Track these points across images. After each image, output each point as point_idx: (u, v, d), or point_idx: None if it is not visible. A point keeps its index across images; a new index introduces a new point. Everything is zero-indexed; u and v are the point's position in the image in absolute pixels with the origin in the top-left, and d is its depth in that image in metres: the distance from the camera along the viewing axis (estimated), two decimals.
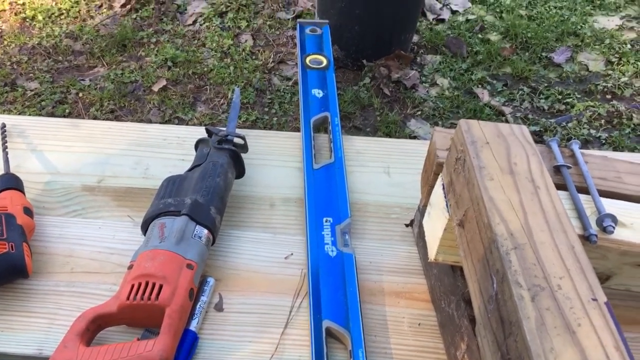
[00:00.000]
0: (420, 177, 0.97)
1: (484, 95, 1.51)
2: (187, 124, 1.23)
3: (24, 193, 1.01)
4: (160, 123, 1.22)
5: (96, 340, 0.86)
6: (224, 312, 0.92)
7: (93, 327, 0.84)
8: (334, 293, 0.92)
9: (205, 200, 0.97)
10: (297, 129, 1.37)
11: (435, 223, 0.84)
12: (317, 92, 1.27)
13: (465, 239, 0.73)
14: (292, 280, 0.97)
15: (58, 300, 0.92)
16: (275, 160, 1.18)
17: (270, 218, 1.08)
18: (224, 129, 1.12)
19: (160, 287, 0.84)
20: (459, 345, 0.81)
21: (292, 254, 1.01)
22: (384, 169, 1.17)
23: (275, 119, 1.40)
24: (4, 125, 1.16)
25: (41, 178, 1.10)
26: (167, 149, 1.19)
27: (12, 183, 1.01)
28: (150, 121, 1.35)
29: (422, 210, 0.98)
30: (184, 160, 1.16)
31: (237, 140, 1.10)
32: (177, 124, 1.21)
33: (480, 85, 1.54)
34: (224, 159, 1.05)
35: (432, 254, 0.85)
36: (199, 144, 1.09)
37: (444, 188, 0.83)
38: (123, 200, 1.09)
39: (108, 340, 0.87)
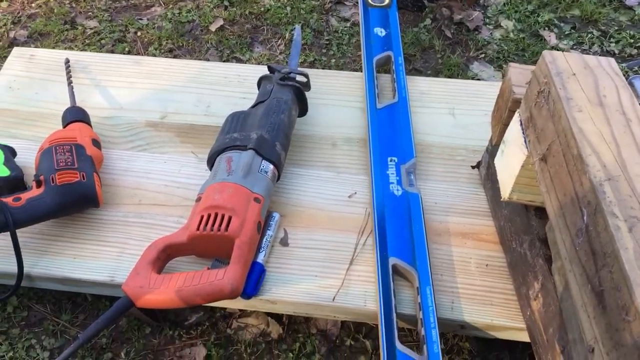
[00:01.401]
0: (491, 116, 0.94)
1: (551, 38, 1.44)
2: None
3: (91, 126, 1.02)
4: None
5: (165, 270, 0.87)
6: (289, 246, 0.92)
7: (163, 256, 0.86)
8: (399, 231, 0.91)
9: (270, 136, 0.96)
10: (356, 71, 1.34)
11: (511, 161, 0.82)
12: (380, 31, 1.23)
13: (548, 173, 0.70)
14: (356, 219, 0.96)
15: (128, 230, 0.93)
16: (336, 100, 1.16)
17: (333, 157, 1.06)
18: (286, 66, 1.10)
19: (230, 218, 0.84)
20: (532, 284, 0.79)
21: (355, 192, 1.00)
22: (448, 110, 1.14)
23: (333, 60, 1.37)
24: (67, 61, 1.17)
25: (105, 113, 1.11)
26: (227, 86, 1.18)
27: (80, 115, 1.02)
28: (208, 60, 1.33)
29: (492, 151, 0.95)
30: (245, 98, 1.15)
31: (299, 77, 1.08)
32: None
33: (547, 28, 1.47)
34: (288, 96, 1.03)
35: (505, 193, 0.82)
36: (261, 81, 1.08)
37: (521, 124, 0.80)
38: (186, 137, 1.09)
39: (177, 270, 0.88)
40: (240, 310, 0.96)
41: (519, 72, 0.86)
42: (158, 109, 1.13)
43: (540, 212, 0.82)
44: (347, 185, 1.01)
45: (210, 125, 1.10)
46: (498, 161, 0.87)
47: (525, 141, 0.78)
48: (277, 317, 0.96)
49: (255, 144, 0.93)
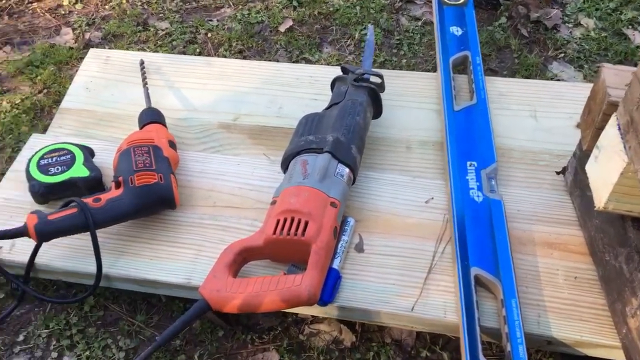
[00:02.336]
0: (580, 120, 0.88)
1: (636, 36, 1.37)
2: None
3: (166, 127, 1.03)
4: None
5: (240, 274, 0.86)
6: (364, 252, 0.90)
7: (239, 260, 0.85)
8: (481, 240, 0.87)
9: (346, 138, 0.93)
10: (428, 71, 1.30)
11: (607, 168, 0.76)
12: (456, 30, 1.19)
13: None
14: (434, 225, 0.93)
15: (203, 233, 0.93)
16: (410, 102, 1.12)
17: (408, 161, 1.03)
18: (360, 67, 1.08)
19: (306, 223, 0.83)
20: (629, 300, 0.74)
21: (432, 198, 0.96)
22: (529, 113, 1.08)
23: (404, 60, 1.34)
24: (142, 62, 1.18)
25: (179, 114, 1.12)
26: (299, 88, 1.16)
27: (156, 117, 1.02)
28: (278, 62, 1.32)
29: (580, 156, 0.89)
30: (316, 99, 1.14)
31: (374, 78, 1.05)
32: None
33: (630, 26, 1.39)
34: (363, 98, 1.00)
35: (600, 202, 0.77)
36: (335, 82, 1.06)
37: (619, 129, 0.75)
38: (258, 138, 1.08)
39: (251, 273, 0.87)
40: (312, 316, 0.94)
41: (613, 74, 0.81)
42: (231, 110, 1.13)
43: (639, 222, 0.77)
44: (424, 190, 0.98)
45: (283, 127, 1.09)
46: (591, 168, 0.82)
47: (624, 147, 0.73)
48: (350, 325, 0.93)
49: (331, 146, 0.91)
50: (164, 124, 1.03)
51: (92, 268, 0.88)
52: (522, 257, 0.87)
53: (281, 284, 0.79)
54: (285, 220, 0.83)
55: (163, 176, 0.90)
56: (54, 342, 0.92)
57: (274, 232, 0.83)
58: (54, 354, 0.91)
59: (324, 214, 0.84)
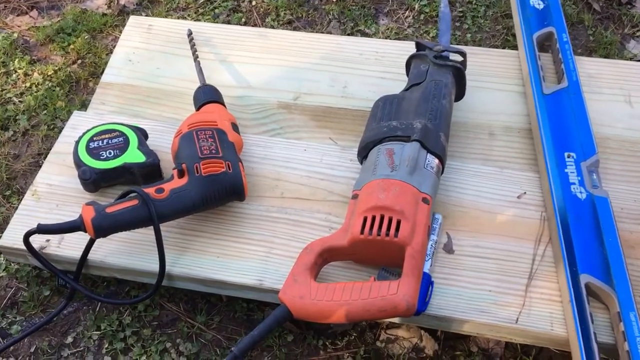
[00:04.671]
0: None
1: None
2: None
3: (225, 107, 0.92)
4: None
5: (320, 277, 0.77)
6: (454, 254, 0.81)
7: (320, 261, 0.76)
8: (588, 243, 0.78)
9: (433, 125, 0.83)
10: (496, 47, 1.20)
11: None
12: (537, 3, 1.08)
13: None
14: (530, 224, 0.83)
15: (273, 228, 0.83)
16: (490, 82, 1.02)
17: (491, 149, 0.93)
18: (436, 43, 0.97)
19: (398, 222, 0.73)
20: None
21: (525, 192, 0.87)
22: (623, 98, 0.98)
23: (468, 35, 1.23)
24: (190, 33, 1.07)
25: (234, 92, 1.01)
26: (364, 64, 1.05)
27: (215, 96, 0.92)
28: (331, 34, 1.21)
29: None
30: (384, 78, 1.03)
31: (453, 56, 0.95)
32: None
33: None
34: (448, 78, 0.90)
35: None
36: (412, 60, 0.95)
37: None
38: (323, 121, 0.98)
39: (330, 275, 0.78)
40: (389, 321, 0.86)
41: None
42: (290, 88, 1.02)
43: None
44: (513, 183, 0.88)
45: (349, 108, 0.99)
46: None
47: None
48: (431, 331, 0.85)
49: (420, 134, 0.81)
50: (224, 104, 0.92)
51: (152, 266, 0.79)
52: (632, 262, 0.78)
53: (374, 292, 0.69)
54: (374, 218, 0.74)
55: (231, 164, 0.80)
56: (106, 345, 0.83)
57: (362, 232, 0.73)
58: (107, 359, 0.82)
59: (416, 212, 0.75)
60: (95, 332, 0.84)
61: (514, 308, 0.75)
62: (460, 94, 0.94)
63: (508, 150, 0.93)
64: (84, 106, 1.10)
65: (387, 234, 0.72)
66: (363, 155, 0.84)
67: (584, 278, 0.74)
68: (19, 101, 1.13)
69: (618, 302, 0.72)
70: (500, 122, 0.96)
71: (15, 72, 1.18)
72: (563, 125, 0.90)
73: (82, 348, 0.83)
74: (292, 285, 0.72)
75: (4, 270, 0.90)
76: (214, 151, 0.80)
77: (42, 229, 0.75)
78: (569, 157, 0.86)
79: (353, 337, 0.85)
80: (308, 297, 0.71)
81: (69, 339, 0.84)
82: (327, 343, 0.84)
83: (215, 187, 0.78)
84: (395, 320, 0.79)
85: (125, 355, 0.83)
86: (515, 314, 0.74)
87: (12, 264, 0.90)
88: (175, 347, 0.83)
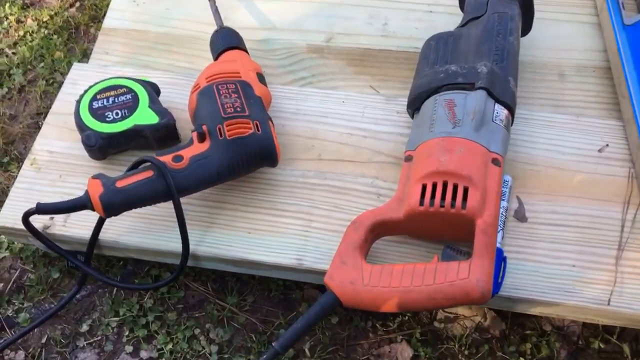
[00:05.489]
0: None
1: None
2: None
3: (248, 53, 0.79)
4: None
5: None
6: (528, 222, 0.68)
7: (371, 237, 0.64)
8: None
9: (501, 68, 0.69)
10: None
11: None
12: None
13: None
14: (616, 183, 0.70)
15: (311, 196, 0.71)
16: (556, 13, 0.86)
17: (562, 93, 0.80)
18: None
19: (466, 190, 0.61)
20: None
21: (607, 145, 0.73)
22: None
23: None
24: None
25: (256, 35, 0.87)
26: None
27: (236, 40, 0.78)
28: None
29: None
30: (432, 12, 0.88)
31: None
32: None
33: None
34: (514, 9, 0.75)
35: None
36: None
37: None
38: (361, 66, 0.84)
39: (380, 252, 0.67)
40: None
41: None
42: (321, 28, 0.88)
43: None
44: (592, 134, 0.75)
45: (391, 49, 0.85)
46: None
47: None
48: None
49: (486, 80, 0.67)
50: (247, 50, 0.78)
51: (174, 245, 0.68)
52: None
53: (440, 277, 0.58)
54: (434, 185, 0.61)
55: (260, 124, 0.67)
56: (127, 333, 0.74)
57: (421, 203, 0.61)
58: (129, 348, 0.73)
59: (486, 176, 0.62)
60: (113, 319, 0.74)
61: (604, 286, 0.63)
62: (526, 27, 0.79)
63: (583, 94, 0.79)
64: (85, 56, 0.97)
65: (453, 205, 0.60)
66: (415, 107, 0.71)
67: None
68: (12, 53, 1.00)
69: None
70: (573, 60, 0.82)
71: (7, 19, 1.04)
72: None
73: (99, 337, 0.74)
74: (339, 268, 0.61)
75: (6, 249, 0.80)
76: (239, 109, 0.67)
77: (43, 209, 0.63)
78: None
79: (407, 317, 0.74)
80: (360, 283, 0.59)
81: (85, 327, 0.74)
82: (377, 325, 0.74)
83: (243, 152, 0.65)
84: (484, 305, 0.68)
85: (148, 343, 0.73)
86: (606, 293, 0.62)
87: (16, 243, 0.80)
88: (204, 333, 0.73)
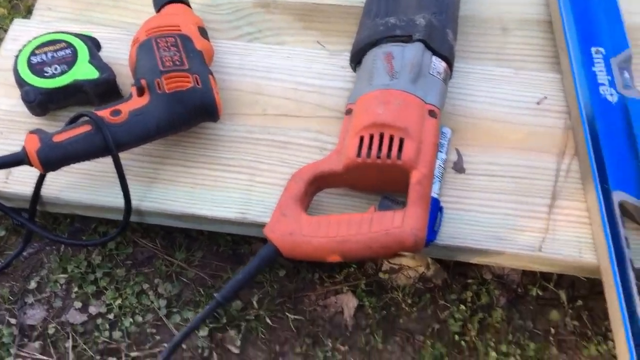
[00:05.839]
0: None
1: None
2: None
3: (191, 7, 0.78)
4: None
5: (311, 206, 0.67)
6: (465, 173, 0.70)
7: (312, 190, 0.65)
8: (621, 154, 0.67)
9: (438, 20, 0.70)
10: None
11: None
12: None
13: None
14: (552, 134, 0.72)
15: (255, 151, 0.72)
16: None
17: (504, 47, 0.81)
18: None
19: (401, 141, 0.62)
20: None
21: (545, 97, 0.75)
22: None
23: None
24: None
25: None
26: None
27: None
28: None
29: None
30: None
31: None
32: None
33: None
34: None
35: None
36: None
37: None
38: (309, 20, 0.84)
39: (322, 204, 0.68)
40: None
41: None
42: None
43: None
44: (531, 86, 0.76)
45: (340, 3, 0.84)
46: None
47: None
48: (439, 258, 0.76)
49: (424, 33, 0.68)
50: (189, 4, 0.78)
51: (118, 201, 0.68)
52: None
53: (376, 226, 0.59)
54: (372, 137, 0.62)
55: (199, 78, 0.67)
56: (75, 289, 0.74)
57: (359, 154, 0.62)
58: (77, 304, 0.73)
59: (422, 128, 0.63)
60: (61, 276, 0.75)
61: (536, 234, 0.65)
62: None
63: (525, 48, 0.80)
64: (30, 13, 0.94)
65: (389, 156, 0.61)
66: (357, 60, 0.72)
67: (617, 196, 0.64)
68: None
69: None
70: (515, 13, 0.83)
71: None
72: (589, 15, 0.77)
73: (48, 294, 0.74)
74: (279, 220, 0.62)
75: None
76: (177, 62, 0.66)
77: None
78: (596, 52, 0.74)
79: (353, 269, 0.76)
80: (299, 234, 0.61)
81: (33, 284, 0.74)
82: (323, 277, 0.75)
83: (182, 106, 0.65)
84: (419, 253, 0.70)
85: (97, 299, 0.74)
86: (538, 240, 0.65)
87: None
88: (153, 289, 0.74)
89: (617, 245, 0.61)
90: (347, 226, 0.60)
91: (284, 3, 0.85)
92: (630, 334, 0.57)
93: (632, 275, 0.60)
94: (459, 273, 0.75)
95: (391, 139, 0.62)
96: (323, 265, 0.76)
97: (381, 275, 0.76)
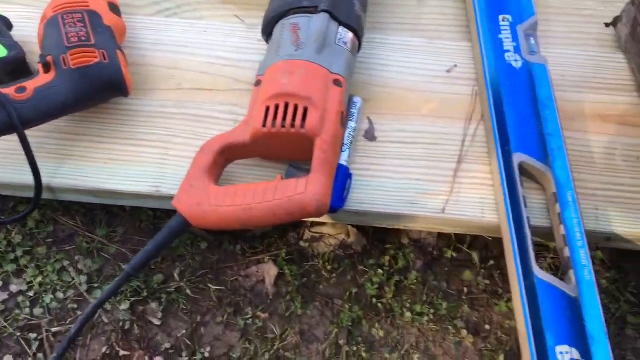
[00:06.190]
0: None
1: None
2: None
3: None
4: None
5: (224, 178, 0.68)
6: (377, 141, 0.72)
7: (221, 161, 0.66)
8: (524, 117, 0.69)
9: None
10: None
11: None
12: None
13: None
14: (461, 101, 0.74)
15: (169, 125, 0.72)
16: None
17: (420, 17, 0.82)
18: None
19: (305, 110, 0.63)
20: None
21: (455, 65, 0.77)
22: None
23: None
24: None
25: None
26: None
27: None
28: None
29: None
30: None
31: None
32: None
33: None
34: None
35: None
36: None
37: None
38: None
39: (236, 176, 0.69)
40: None
41: None
42: None
43: None
44: (444, 55, 0.78)
45: None
46: None
47: None
48: (360, 226, 0.77)
49: (329, 3, 0.68)
50: None
51: (27, 178, 0.68)
52: (571, 136, 0.71)
53: (280, 193, 0.61)
54: (277, 107, 0.63)
55: (106, 53, 0.67)
56: None
57: (264, 124, 0.63)
58: None
59: (327, 97, 0.64)
60: None
61: (442, 196, 0.67)
62: None
63: (440, 18, 0.82)
64: None
65: (293, 125, 0.62)
66: (268, 33, 0.72)
67: (518, 157, 0.67)
68: None
69: (555, 182, 0.65)
70: None
71: None
72: None
73: None
74: (187, 191, 0.63)
75: None
76: (83, 38, 0.66)
77: None
78: (503, 20, 0.76)
79: (274, 238, 0.77)
80: (206, 204, 0.62)
81: None
82: (245, 248, 0.77)
83: (89, 81, 0.66)
84: (322, 219, 0.72)
85: (18, 277, 0.74)
86: (443, 202, 0.67)
87: None
88: (74, 265, 0.75)
89: (515, 204, 0.64)
90: (253, 195, 0.61)
91: None
92: (524, 289, 0.60)
93: (528, 233, 0.63)
94: (378, 239, 0.77)
95: (295, 108, 0.63)
96: (245, 237, 0.77)
97: (302, 244, 0.77)
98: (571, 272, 0.61)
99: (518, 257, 0.61)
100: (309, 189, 0.60)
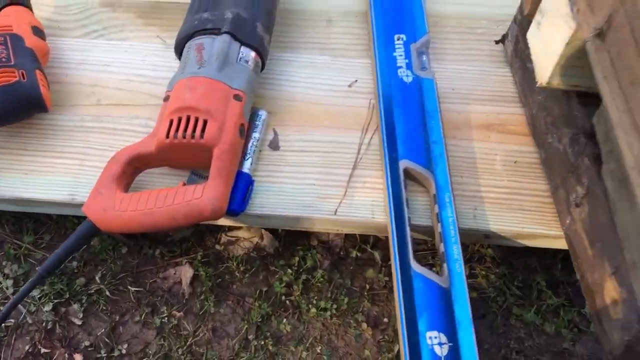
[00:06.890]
0: None
1: None
2: None
3: (31, 10, 0.83)
4: None
5: (136, 185, 0.73)
6: (280, 150, 0.78)
7: (130, 170, 0.72)
8: (411, 128, 0.76)
9: (249, 14, 0.77)
10: None
11: (550, 37, 0.65)
12: None
13: (607, 55, 0.54)
14: (359, 113, 0.81)
15: (86, 138, 0.78)
16: None
17: (328, 37, 0.89)
18: None
19: (205, 122, 0.69)
20: (573, 188, 0.66)
21: (356, 80, 0.83)
22: None
23: None
24: None
25: None
26: None
27: None
28: None
29: (522, 21, 0.77)
30: None
31: None
32: None
33: None
34: None
35: (543, 77, 0.66)
36: None
37: None
38: (150, 17, 0.90)
39: (148, 184, 0.75)
40: None
41: None
42: None
43: (586, 98, 0.67)
44: (346, 71, 0.84)
45: (180, 1, 0.91)
46: (532, 37, 0.70)
47: (572, 10, 0.61)
48: (273, 230, 0.83)
49: (230, 25, 0.75)
50: (28, 6, 0.83)
51: None
52: (456, 143, 0.77)
53: (178, 198, 0.66)
54: (180, 120, 0.70)
55: (26, 73, 0.73)
56: None
57: (167, 136, 0.69)
58: None
59: (226, 110, 0.71)
60: None
61: (335, 199, 0.74)
62: None
63: (346, 37, 0.88)
64: None
65: (193, 136, 0.69)
66: (179, 52, 0.79)
67: (403, 163, 0.73)
68: None
69: (435, 185, 0.72)
70: (340, 7, 0.91)
71: None
72: (396, 6, 0.86)
73: None
74: (96, 197, 0.69)
75: None
76: (4, 59, 0.72)
77: None
78: (398, 39, 0.83)
79: (191, 242, 0.83)
80: (112, 209, 0.67)
81: None
82: (164, 252, 0.82)
83: (7, 99, 0.71)
84: (233, 224, 0.77)
85: None
86: (335, 205, 0.73)
87: None
88: (0, 271, 0.80)
89: (398, 205, 0.70)
90: (155, 200, 0.67)
91: (128, 2, 0.91)
92: (400, 281, 0.66)
93: (408, 231, 0.69)
94: (290, 242, 0.83)
95: (196, 120, 0.69)
96: (164, 242, 0.83)
97: (218, 247, 0.83)
98: (445, 266, 0.67)
99: (397, 252, 0.67)
100: (205, 194, 0.66)
